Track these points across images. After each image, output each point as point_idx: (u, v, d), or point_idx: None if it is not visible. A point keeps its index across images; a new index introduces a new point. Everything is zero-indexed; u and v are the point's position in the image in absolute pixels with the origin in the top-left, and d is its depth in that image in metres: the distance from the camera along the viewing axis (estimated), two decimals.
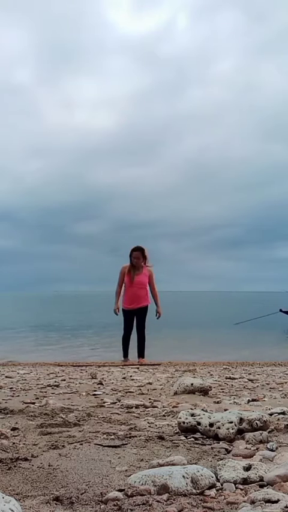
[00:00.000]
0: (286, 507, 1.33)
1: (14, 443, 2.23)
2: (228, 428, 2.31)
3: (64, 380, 5.02)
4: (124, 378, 5.26)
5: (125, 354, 8.13)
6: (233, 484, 1.61)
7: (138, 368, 6.60)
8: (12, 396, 3.80)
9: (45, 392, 4.08)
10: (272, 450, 2.06)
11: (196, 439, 2.32)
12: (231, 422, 2.33)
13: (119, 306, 8.26)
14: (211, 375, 5.73)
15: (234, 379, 5.25)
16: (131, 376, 5.48)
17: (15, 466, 1.86)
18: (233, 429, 2.31)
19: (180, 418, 2.47)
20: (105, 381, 4.94)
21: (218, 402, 3.53)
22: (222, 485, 1.62)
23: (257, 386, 4.64)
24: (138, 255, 8.17)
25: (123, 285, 8.22)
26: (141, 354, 8.10)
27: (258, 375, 5.75)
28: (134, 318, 8.17)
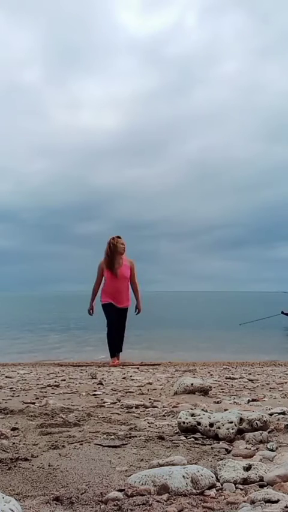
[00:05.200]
0: (286, 507, 1.33)
1: (14, 443, 2.23)
2: (228, 428, 2.31)
3: (64, 380, 5.02)
4: (124, 378, 5.25)
5: (113, 353, 7.41)
6: (233, 484, 1.61)
7: (138, 368, 6.60)
8: (12, 396, 3.80)
9: (45, 392, 4.08)
10: (272, 450, 2.06)
11: (196, 439, 2.32)
12: (231, 422, 2.33)
13: (94, 307, 7.68)
14: (211, 375, 5.72)
15: (234, 379, 5.24)
16: (131, 376, 5.48)
17: (15, 466, 1.86)
18: (233, 429, 2.31)
19: (180, 418, 2.47)
20: (105, 381, 4.94)
21: (218, 402, 3.53)
22: (222, 485, 1.61)
23: (257, 386, 4.64)
24: (123, 241, 7.46)
25: (103, 279, 7.47)
26: (118, 348, 7.46)
27: (258, 375, 5.74)
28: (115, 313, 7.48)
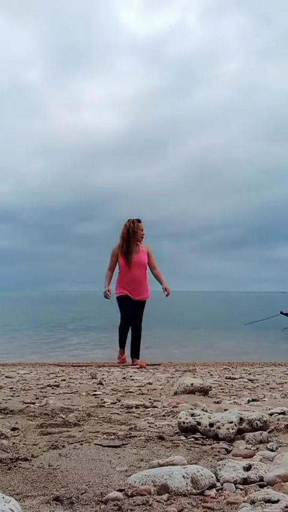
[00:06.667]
0: (286, 507, 1.33)
1: (14, 443, 2.23)
2: (228, 428, 2.31)
3: (64, 380, 5.01)
4: (124, 378, 5.25)
5: (122, 344, 6.92)
6: (233, 484, 1.61)
7: (138, 368, 6.60)
8: (12, 396, 3.80)
9: (45, 392, 4.07)
10: (272, 450, 2.06)
11: (196, 439, 2.32)
12: (231, 422, 2.33)
13: (111, 289, 6.95)
14: (211, 375, 5.72)
15: (234, 379, 5.24)
16: (131, 376, 5.48)
17: (15, 466, 1.86)
18: (233, 429, 2.31)
19: (180, 418, 2.47)
20: (105, 380, 4.94)
21: (218, 402, 3.53)
22: (222, 485, 1.61)
23: (257, 386, 4.64)
24: (143, 226, 6.80)
25: (118, 267, 6.86)
26: (135, 354, 6.95)
27: (258, 375, 5.74)
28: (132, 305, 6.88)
